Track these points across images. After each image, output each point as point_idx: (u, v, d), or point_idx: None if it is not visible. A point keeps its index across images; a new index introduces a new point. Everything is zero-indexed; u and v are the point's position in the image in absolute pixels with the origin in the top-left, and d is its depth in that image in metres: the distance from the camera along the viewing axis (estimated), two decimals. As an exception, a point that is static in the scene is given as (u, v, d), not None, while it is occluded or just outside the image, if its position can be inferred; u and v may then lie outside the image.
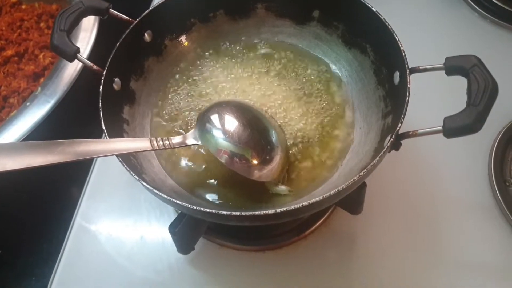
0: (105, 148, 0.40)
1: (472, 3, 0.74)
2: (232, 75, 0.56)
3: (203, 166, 0.49)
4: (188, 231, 0.46)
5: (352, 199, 0.49)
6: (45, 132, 0.57)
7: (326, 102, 0.54)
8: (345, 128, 0.52)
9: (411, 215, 0.55)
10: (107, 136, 0.42)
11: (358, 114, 0.53)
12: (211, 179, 0.48)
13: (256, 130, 0.47)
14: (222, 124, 0.46)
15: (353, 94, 0.54)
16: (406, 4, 0.75)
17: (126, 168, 0.39)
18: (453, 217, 0.55)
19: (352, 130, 0.52)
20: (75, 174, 0.61)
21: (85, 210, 0.58)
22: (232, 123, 0.46)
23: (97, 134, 0.56)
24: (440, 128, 0.39)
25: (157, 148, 0.43)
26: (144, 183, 0.39)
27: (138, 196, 0.58)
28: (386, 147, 0.40)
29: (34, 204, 0.62)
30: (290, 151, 0.50)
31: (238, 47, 0.58)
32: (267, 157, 0.46)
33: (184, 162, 0.50)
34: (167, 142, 0.43)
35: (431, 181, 0.57)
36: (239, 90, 0.55)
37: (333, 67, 0.57)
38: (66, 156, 0.38)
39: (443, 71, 0.43)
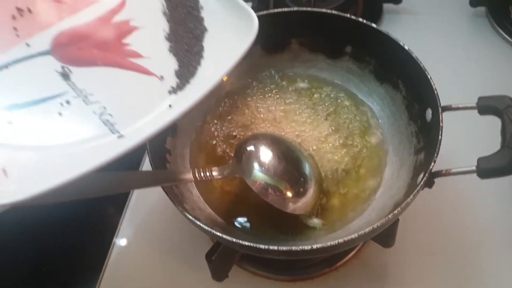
0: (152, 180, 0.43)
1: (503, 33, 0.74)
2: (267, 108, 0.58)
3: (239, 196, 0.52)
4: (223, 259, 0.48)
5: (384, 233, 0.50)
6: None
7: (358, 135, 0.55)
8: (377, 161, 0.53)
9: (444, 250, 0.54)
10: (153, 167, 0.45)
11: (391, 148, 0.54)
12: (246, 208, 0.50)
13: (291, 163, 0.49)
14: (258, 157, 0.48)
15: (385, 128, 0.56)
16: (436, 36, 0.76)
17: (171, 199, 0.42)
18: (488, 253, 0.54)
19: (385, 164, 0.53)
20: (115, 197, 0.64)
21: (124, 233, 0.60)
22: (267, 155, 0.48)
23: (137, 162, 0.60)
24: (474, 168, 0.40)
25: (198, 179, 0.45)
26: (187, 214, 0.41)
27: (176, 220, 0.60)
28: (419, 185, 0.41)
29: (77, 225, 0.65)
30: (323, 184, 0.51)
31: (272, 80, 0.61)
32: (301, 189, 0.48)
33: (221, 191, 0.52)
34: (208, 174, 0.46)
35: (466, 216, 0.56)
36: (274, 122, 0.57)
37: (365, 100, 0.58)
38: (115, 188, 0.41)
39: (476, 110, 0.44)
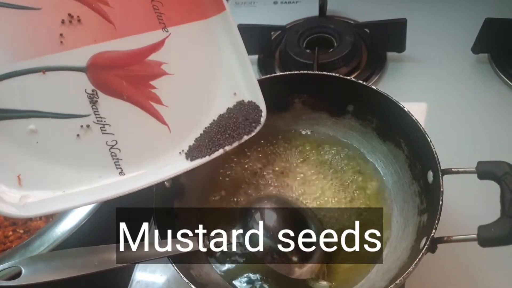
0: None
1: (506, 79, 0.73)
2: (273, 167, 0.60)
3: (245, 261, 0.52)
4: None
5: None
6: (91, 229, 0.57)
7: (363, 193, 0.56)
8: (382, 221, 0.54)
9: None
10: (159, 236, 0.47)
11: (395, 207, 0.54)
12: (253, 273, 0.51)
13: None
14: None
15: (389, 185, 0.56)
16: (439, 82, 0.76)
17: (177, 271, 0.43)
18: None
19: (389, 223, 0.53)
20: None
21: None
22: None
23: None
24: (475, 236, 0.40)
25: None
26: (193, 286, 0.42)
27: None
28: (421, 253, 0.42)
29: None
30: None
31: (277, 139, 0.63)
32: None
33: (227, 257, 0.53)
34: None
35: (472, 279, 0.55)
36: (279, 182, 0.58)
37: (369, 157, 0.59)
38: (120, 261, 0.42)
39: (476, 175, 0.45)
